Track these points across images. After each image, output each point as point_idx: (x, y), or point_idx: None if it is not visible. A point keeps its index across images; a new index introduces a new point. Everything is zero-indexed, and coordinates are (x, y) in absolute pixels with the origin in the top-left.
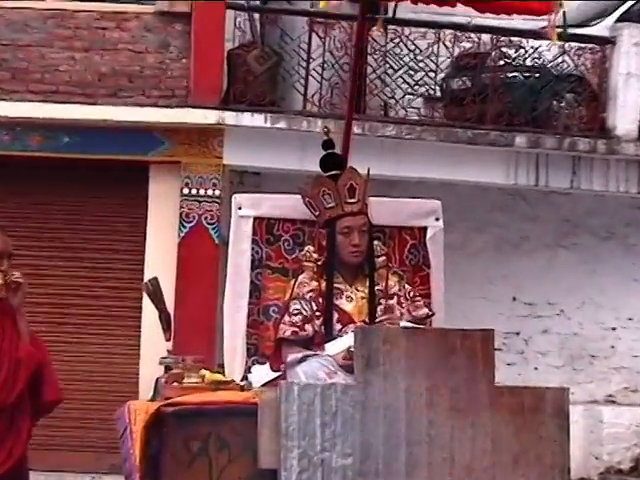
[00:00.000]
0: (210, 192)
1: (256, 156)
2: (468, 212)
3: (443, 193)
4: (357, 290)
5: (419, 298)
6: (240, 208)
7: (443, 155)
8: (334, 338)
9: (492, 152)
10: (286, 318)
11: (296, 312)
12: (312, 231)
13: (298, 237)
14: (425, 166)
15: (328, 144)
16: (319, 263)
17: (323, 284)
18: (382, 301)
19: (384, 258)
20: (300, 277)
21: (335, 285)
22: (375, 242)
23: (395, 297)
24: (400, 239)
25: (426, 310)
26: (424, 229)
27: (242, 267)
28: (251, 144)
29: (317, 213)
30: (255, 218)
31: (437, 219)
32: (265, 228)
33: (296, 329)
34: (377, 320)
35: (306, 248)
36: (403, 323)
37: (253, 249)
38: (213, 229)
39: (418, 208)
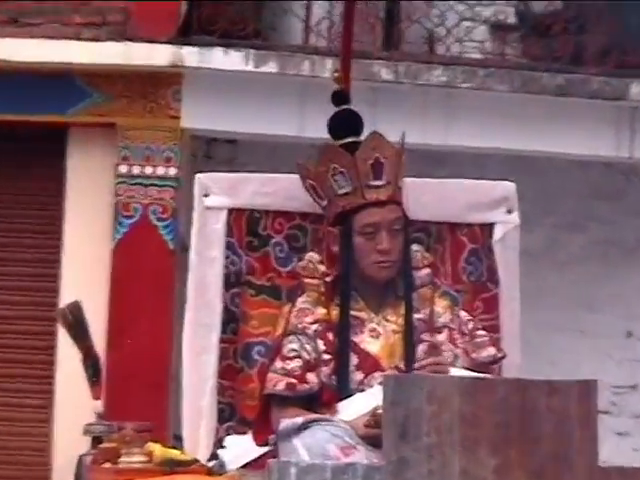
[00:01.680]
0: (161, 171)
1: (231, 115)
2: (557, 200)
3: (519, 172)
4: (386, 320)
5: (482, 332)
6: (207, 195)
7: (519, 113)
8: (352, 394)
9: (594, 108)
10: (278, 364)
11: (293, 354)
12: (317, 230)
13: (296, 239)
14: (491, 130)
15: (341, 97)
16: (328, 279)
17: (334, 311)
18: (425, 337)
19: (428, 271)
20: (299, 301)
21: (353, 313)
22: (414, 247)
23: (445, 330)
24: (453, 242)
25: (493, 350)
26: (490, 227)
27: (210, 285)
28: (224, 97)
29: (325, 203)
30: (230, 210)
31: (510, 211)
32: (246, 226)
33: (293, 380)
34: (417, 366)
35: (307, 256)
36: (457, 371)
37: (228, 258)
38: (166, 227)
39: (481, 195)
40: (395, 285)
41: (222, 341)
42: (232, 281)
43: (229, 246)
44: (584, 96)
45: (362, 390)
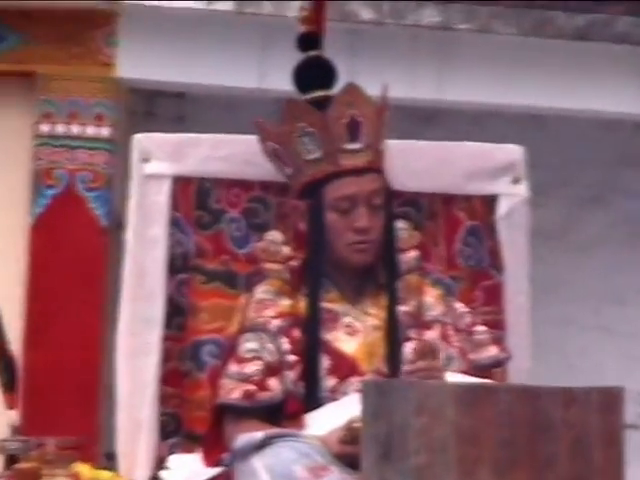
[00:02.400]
0: (92, 130)
1: (178, 63)
2: (575, 168)
3: (529, 133)
4: (365, 314)
5: (482, 328)
6: (148, 160)
7: (529, 62)
8: (323, 404)
9: (621, 55)
10: (233, 367)
11: (251, 356)
12: (282, 203)
13: (256, 214)
14: (495, 83)
15: (309, 40)
16: (293, 263)
17: (302, 303)
18: (412, 334)
19: (416, 254)
20: (259, 290)
21: (324, 305)
22: (399, 224)
23: (437, 326)
24: (448, 218)
25: (495, 350)
26: (493, 200)
27: (151, 271)
28: (169, 40)
29: (289, 170)
30: (176, 179)
31: (517, 181)
32: (195, 197)
33: (252, 388)
34: (408, 370)
35: (269, 235)
36: (452, 375)
37: (173, 237)
38: (97, 200)
39: (482, 160)
40: (376, 271)
41: (166, 339)
42: (178, 265)
43: (174, 223)
44: (609, 40)
45: (336, 399)
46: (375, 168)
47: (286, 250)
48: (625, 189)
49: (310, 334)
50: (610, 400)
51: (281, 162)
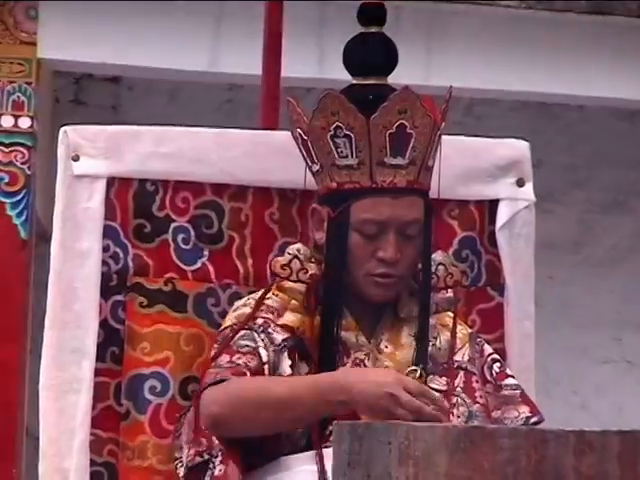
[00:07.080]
0: (8, 121)
1: (112, 41)
2: (591, 167)
3: (535, 125)
4: (379, 351)
5: (514, 382)
6: (77, 158)
7: (534, 39)
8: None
9: None
10: (223, 358)
11: (247, 350)
12: (239, 209)
13: (208, 223)
14: (493, 64)
15: (373, 14)
16: (308, 280)
17: (314, 323)
18: (433, 382)
19: (450, 296)
20: (271, 296)
21: (341, 334)
22: (439, 256)
23: (461, 374)
24: (437, 228)
25: (526, 411)
26: (492, 205)
27: (81, 292)
28: (101, 14)
29: (316, 168)
30: (111, 180)
31: (521, 183)
32: (134, 203)
33: (246, 372)
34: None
35: (293, 249)
36: None
37: (107, 251)
38: (15, 206)
39: (479, 158)
40: (397, 302)
41: (98, 373)
42: (113, 285)
43: (109, 233)
44: (631, 14)
45: (328, 447)
46: (417, 189)
47: (314, 269)
48: None
49: (323, 364)
50: (632, 445)
51: (308, 155)
